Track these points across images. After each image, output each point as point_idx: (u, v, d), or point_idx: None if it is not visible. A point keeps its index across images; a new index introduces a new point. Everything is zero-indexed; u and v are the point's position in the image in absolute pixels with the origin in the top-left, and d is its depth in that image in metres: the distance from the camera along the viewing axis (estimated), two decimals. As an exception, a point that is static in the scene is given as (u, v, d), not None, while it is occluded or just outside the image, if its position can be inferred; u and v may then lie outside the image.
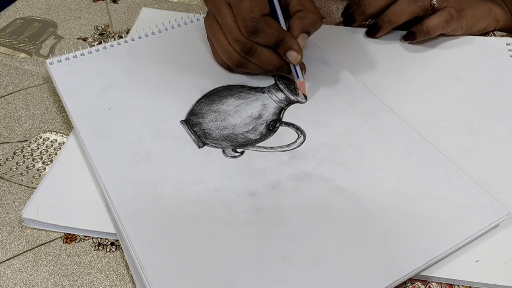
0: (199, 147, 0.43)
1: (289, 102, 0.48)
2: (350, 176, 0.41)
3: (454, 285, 0.37)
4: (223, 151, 0.43)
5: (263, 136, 0.45)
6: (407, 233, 0.37)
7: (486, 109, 0.48)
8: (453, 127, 0.47)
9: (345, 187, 0.40)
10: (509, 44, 0.55)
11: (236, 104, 0.47)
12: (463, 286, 0.37)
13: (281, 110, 0.47)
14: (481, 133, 0.46)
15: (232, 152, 0.43)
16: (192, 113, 0.46)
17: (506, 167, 0.43)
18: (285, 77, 0.50)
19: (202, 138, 0.44)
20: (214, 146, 0.44)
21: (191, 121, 0.46)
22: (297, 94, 0.48)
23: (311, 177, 0.41)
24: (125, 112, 0.46)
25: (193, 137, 0.44)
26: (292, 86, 0.49)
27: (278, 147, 0.44)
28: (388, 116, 0.46)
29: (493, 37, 0.57)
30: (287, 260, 0.35)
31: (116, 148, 0.43)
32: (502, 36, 0.58)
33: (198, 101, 0.48)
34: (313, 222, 0.38)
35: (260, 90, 0.49)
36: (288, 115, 0.47)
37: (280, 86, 0.49)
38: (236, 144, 0.44)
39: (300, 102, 0.48)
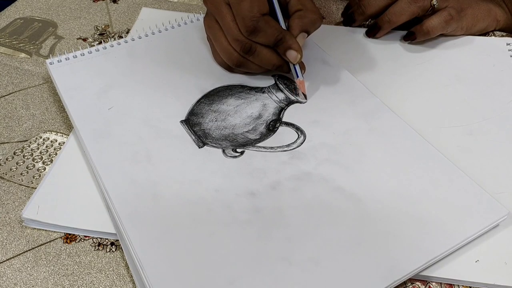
0: (199, 147, 0.43)
1: (289, 102, 0.48)
2: (350, 176, 0.41)
3: (454, 285, 0.37)
4: (223, 151, 0.43)
5: (263, 136, 0.45)
6: (407, 233, 0.37)
7: (486, 109, 0.48)
8: (453, 127, 0.47)
9: (345, 187, 0.40)
10: (509, 44, 0.55)
11: (236, 104, 0.47)
12: (463, 286, 0.37)
13: (281, 110, 0.47)
14: (481, 133, 0.46)
15: (232, 152, 0.43)
16: (192, 113, 0.46)
17: (506, 167, 0.43)
18: (285, 77, 0.50)
19: (202, 138, 0.44)
20: (214, 146, 0.44)
21: (191, 121, 0.46)
22: (297, 94, 0.48)
23: (311, 177, 0.41)
24: (125, 112, 0.46)
25: (193, 137, 0.44)
26: (292, 86, 0.49)
27: (278, 147, 0.44)
28: (388, 116, 0.46)
29: (493, 37, 0.57)
30: (287, 260, 0.35)
31: (116, 148, 0.43)
32: (502, 36, 0.58)
33: (198, 101, 0.48)
34: (313, 222, 0.38)
35: (260, 90, 0.49)
36: (288, 115, 0.47)
37: (280, 86, 0.49)
38: (236, 144, 0.44)
39: (300, 102, 0.48)
